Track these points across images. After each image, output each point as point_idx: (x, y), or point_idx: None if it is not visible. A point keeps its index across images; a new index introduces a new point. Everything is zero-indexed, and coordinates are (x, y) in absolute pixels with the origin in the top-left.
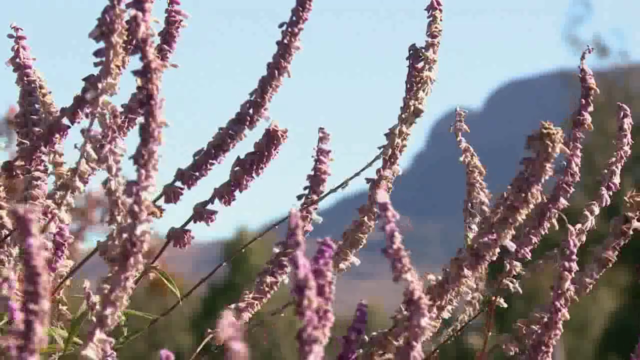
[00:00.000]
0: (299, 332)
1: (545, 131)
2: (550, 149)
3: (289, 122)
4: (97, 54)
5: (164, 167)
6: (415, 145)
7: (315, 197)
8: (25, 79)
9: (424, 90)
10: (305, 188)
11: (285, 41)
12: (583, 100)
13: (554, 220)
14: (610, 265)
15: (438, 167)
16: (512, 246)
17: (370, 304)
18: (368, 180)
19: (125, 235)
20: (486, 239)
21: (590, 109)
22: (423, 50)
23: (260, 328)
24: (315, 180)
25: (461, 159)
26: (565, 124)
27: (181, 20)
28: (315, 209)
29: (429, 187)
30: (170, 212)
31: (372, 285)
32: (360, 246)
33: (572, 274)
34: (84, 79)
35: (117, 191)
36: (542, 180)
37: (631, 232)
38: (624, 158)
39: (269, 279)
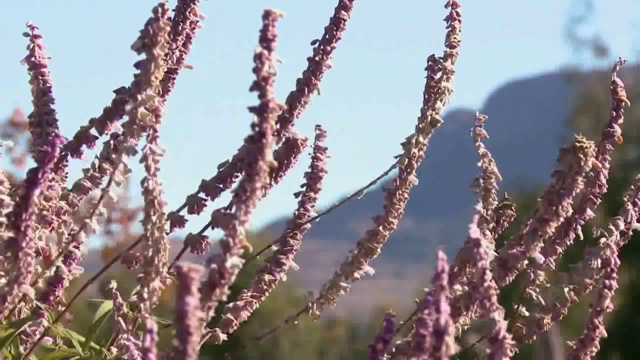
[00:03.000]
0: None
1: (578, 145)
2: (582, 163)
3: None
4: (137, 65)
5: (181, 175)
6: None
7: (312, 195)
8: (40, 78)
9: (441, 101)
10: (302, 185)
11: (317, 59)
12: (614, 112)
13: (580, 232)
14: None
15: (438, 167)
16: (540, 258)
17: (377, 305)
18: (385, 189)
19: (214, 266)
20: (515, 250)
21: (621, 121)
22: (441, 61)
23: (261, 327)
24: (313, 177)
25: (479, 164)
26: (564, 123)
27: (197, 21)
28: (312, 206)
29: (429, 187)
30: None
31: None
32: (375, 256)
33: (612, 292)
34: (115, 91)
35: (155, 191)
36: (574, 194)
37: (631, 233)
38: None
39: (267, 277)
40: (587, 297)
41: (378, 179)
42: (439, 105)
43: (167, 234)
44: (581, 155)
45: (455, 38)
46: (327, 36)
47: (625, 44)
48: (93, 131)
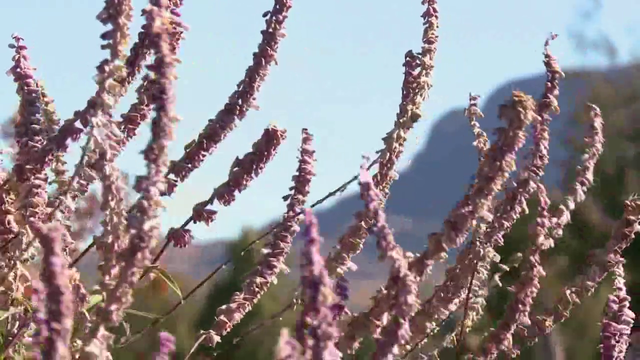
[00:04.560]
0: (313, 329)
1: (517, 99)
2: (522, 116)
3: (293, 122)
4: (104, 36)
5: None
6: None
7: (301, 197)
8: (25, 88)
9: (421, 95)
10: (291, 188)
11: (270, 29)
12: (549, 84)
13: (525, 205)
14: (613, 269)
15: (438, 167)
16: (488, 216)
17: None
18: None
19: (133, 231)
20: (462, 210)
21: (556, 92)
22: (420, 56)
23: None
24: (301, 180)
25: (474, 143)
26: (569, 123)
27: (181, 32)
28: (302, 209)
29: (429, 187)
30: (170, 212)
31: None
32: (357, 251)
33: (545, 228)
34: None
35: (112, 176)
36: (516, 149)
37: (633, 236)
38: (596, 155)
39: (258, 280)
40: (587, 298)
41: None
42: (419, 99)
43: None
44: (520, 109)
45: (432, 34)
46: (277, 6)
47: (629, 42)
48: (77, 124)
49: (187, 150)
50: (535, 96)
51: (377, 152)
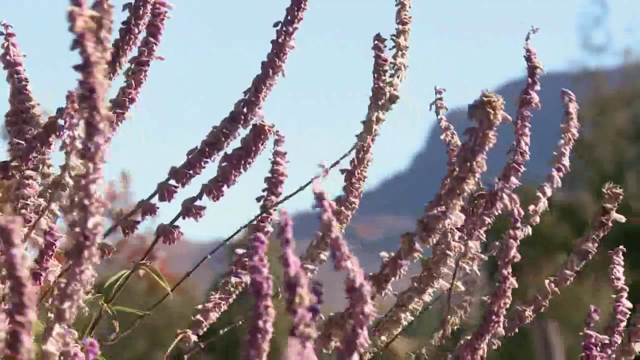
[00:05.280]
0: (292, 329)
1: (485, 99)
2: (492, 117)
3: (291, 121)
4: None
5: (158, 165)
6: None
7: (273, 199)
8: (15, 76)
9: (398, 77)
10: (263, 190)
11: (280, 40)
12: (529, 80)
13: (507, 201)
14: (590, 257)
15: (438, 167)
16: (459, 216)
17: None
18: (343, 171)
19: (77, 229)
20: (435, 211)
21: (537, 87)
22: (394, 37)
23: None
24: (273, 182)
25: (442, 137)
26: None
27: (166, 12)
28: (275, 210)
29: (429, 187)
30: (162, 209)
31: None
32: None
33: (517, 241)
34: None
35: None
36: (487, 149)
37: (610, 224)
38: (572, 140)
39: (233, 280)
40: (587, 298)
41: (341, 158)
42: (396, 81)
43: (138, 222)
44: (490, 110)
45: (405, 14)
46: (288, 17)
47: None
48: (60, 121)
49: (189, 157)
50: (538, 95)
51: (355, 135)
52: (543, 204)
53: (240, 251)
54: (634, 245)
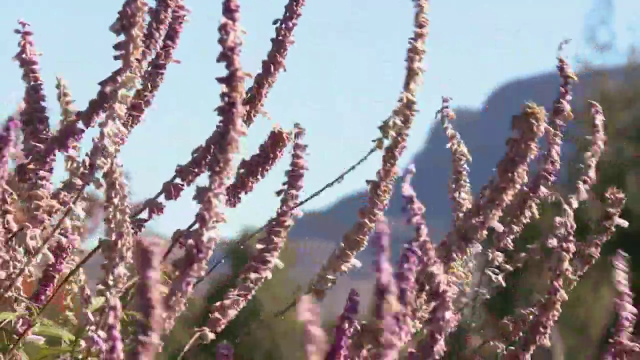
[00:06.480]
0: (377, 336)
1: (529, 111)
2: (534, 128)
3: (291, 120)
4: (117, 47)
5: (160, 164)
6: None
7: (294, 192)
8: (31, 75)
9: (414, 82)
10: (284, 184)
11: (280, 37)
12: (562, 89)
13: (535, 209)
14: (593, 261)
15: (438, 167)
16: (499, 227)
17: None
18: (368, 182)
19: (191, 241)
20: (473, 221)
21: (569, 97)
22: (412, 41)
23: (261, 329)
24: (294, 175)
25: (447, 145)
26: (575, 122)
27: (184, 15)
28: (295, 204)
29: (429, 187)
30: (177, 213)
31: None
32: (362, 248)
33: (570, 254)
34: (100, 83)
35: (115, 173)
36: (528, 160)
37: (613, 229)
38: (598, 153)
39: (252, 275)
40: (588, 298)
41: (357, 163)
42: (412, 86)
43: (145, 220)
44: (533, 121)
45: (424, 17)
46: (287, 14)
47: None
48: (79, 124)
49: (194, 156)
50: (536, 96)
51: (373, 140)
52: (570, 216)
53: (260, 246)
54: (634, 245)
